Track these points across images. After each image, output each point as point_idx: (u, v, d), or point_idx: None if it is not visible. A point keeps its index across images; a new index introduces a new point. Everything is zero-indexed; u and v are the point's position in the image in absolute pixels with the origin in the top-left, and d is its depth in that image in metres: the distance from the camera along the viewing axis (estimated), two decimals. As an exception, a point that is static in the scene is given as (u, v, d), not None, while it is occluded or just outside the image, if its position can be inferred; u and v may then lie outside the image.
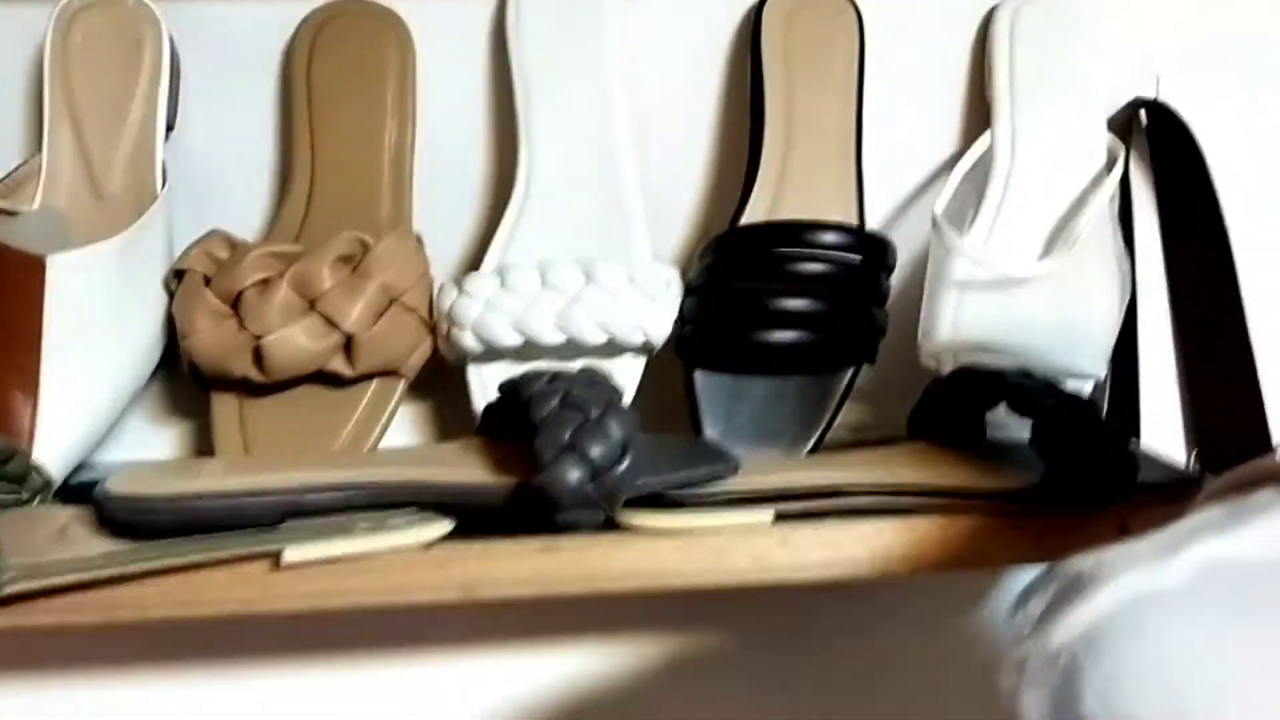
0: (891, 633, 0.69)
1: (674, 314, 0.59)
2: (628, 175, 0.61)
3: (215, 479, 0.50)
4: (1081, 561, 0.29)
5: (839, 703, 0.69)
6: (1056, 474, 0.50)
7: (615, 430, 0.47)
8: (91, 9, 0.61)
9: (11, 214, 0.59)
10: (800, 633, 0.68)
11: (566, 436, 0.46)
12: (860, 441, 0.61)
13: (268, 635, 0.66)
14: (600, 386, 0.50)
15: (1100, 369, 0.61)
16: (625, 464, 0.47)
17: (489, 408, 0.56)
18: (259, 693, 0.66)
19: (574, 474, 0.46)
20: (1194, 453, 0.66)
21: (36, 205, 0.60)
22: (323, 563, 0.48)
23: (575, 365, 0.59)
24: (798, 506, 0.51)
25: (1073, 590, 0.27)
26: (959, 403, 0.57)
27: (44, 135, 0.61)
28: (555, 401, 0.48)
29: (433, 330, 0.60)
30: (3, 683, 0.65)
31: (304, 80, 0.63)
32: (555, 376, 0.51)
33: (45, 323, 0.55)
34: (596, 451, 0.46)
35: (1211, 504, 0.32)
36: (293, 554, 0.48)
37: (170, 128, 0.62)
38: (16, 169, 0.60)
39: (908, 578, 0.51)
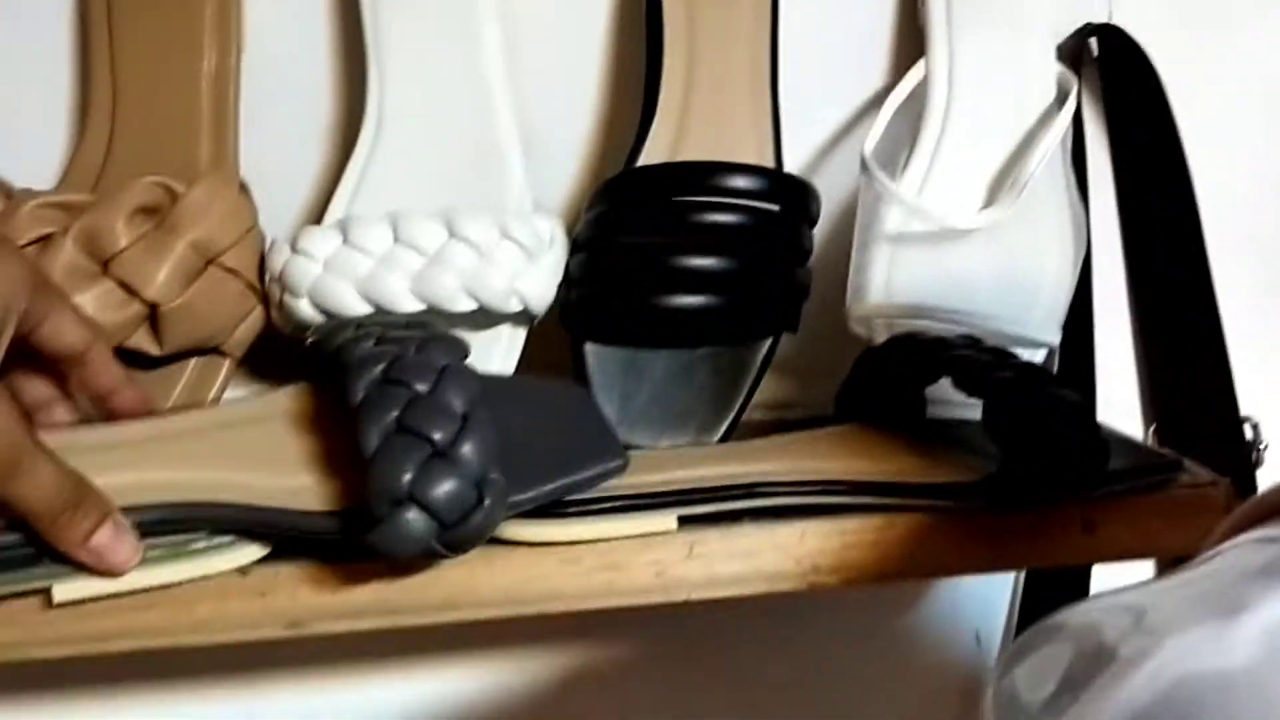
0: (816, 641, 0.61)
1: (558, 276, 0.50)
2: (501, 109, 0.51)
3: None
4: (1099, 621, 0.20)
5: (758, 720, 0.61)
6: (1014, 463, 0.42)
7: (469, 451, 0.36)
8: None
9: None
10: (712, 643, 0.60)
11: (404, 480, 0.36)
12: (780, 423, 0.52)
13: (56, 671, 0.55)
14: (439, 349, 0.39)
15: (1053, 335, 0.53)
16: (484, 506, 0.37)
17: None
18: None
19: (416, 530, 0.36)
20: (1152, 428, 0.60)
21: None
22: (105, 599, 0.38)
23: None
24: (706, 509, 0.42)
25: (1097, 667, 0.19)
26: (896, 377, 0.49)
27: None
28: (377, 373, 0.38)
29: (264, 298, 0.49)
30: None
31: (102, -6, 0.51)
32: (381, 336, 0.40)
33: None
34: (443, 492, 0.36)
35: (1247, 536, 0.23)
36: (63, 592, 0.37)
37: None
38: None
39: (838, 591, 0.42)
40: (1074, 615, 0.21)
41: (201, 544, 0.38)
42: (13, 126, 0.53)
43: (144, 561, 0.38)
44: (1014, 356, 0.46)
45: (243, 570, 0.39)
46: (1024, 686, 0.21)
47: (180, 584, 0.38)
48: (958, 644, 0.63)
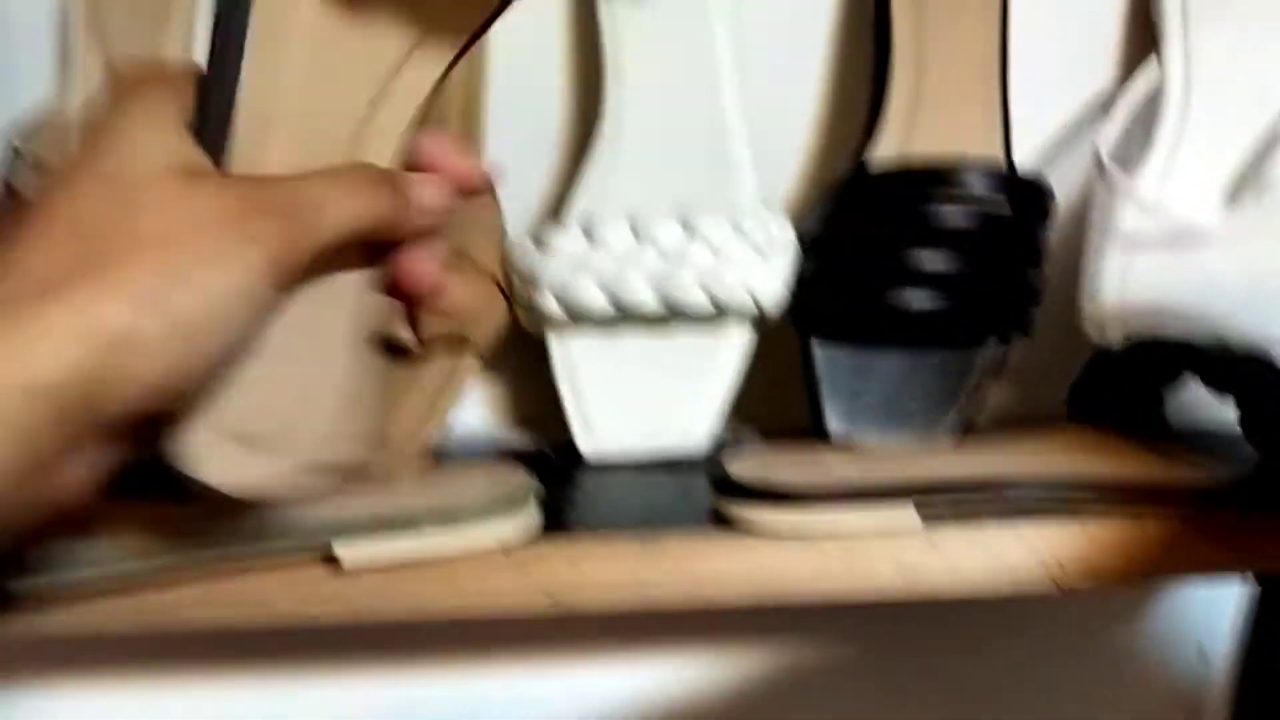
0: (1030, 650, 0.60)
1: (788, 274, 0.51)
2: (731, 109, 0.52)
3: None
4: None
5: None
6: (1271, 464, 0.41)
7: None
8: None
9: (37, 163, 0.52)
10: (923, 650, 0.60)
11: None
12: (1012, 428, 0.52)
13: (326, 642, 0.59)
14: None
15: (1301, 339, 0.51)
16: None
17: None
18: (315, 704, 0.60)
19: None
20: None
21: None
22: (385, 567, 0.41)
23: (668, 335, 0.51)
24: (947, 503, 0.42)
25: None
26: (1134, 379, 0.48)
27: (70, 72, 0.53)
28: None
29: (508, 295, 0.52)
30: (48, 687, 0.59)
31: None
32: None
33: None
34: None
35: None
36: (349, 555, 0.40)
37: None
38: (41, 112, 0.53)
39: (1086, 592, 0.42)
40: None
41: (474, 515, 0.41)
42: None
43: (422, 530, 0.40)
44: (1267, 355, 0.45)
45: (505, 547, 0.42)
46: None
47: (452, 555, 0.41)
48: (1180, 658, 0.61)
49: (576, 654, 0.61)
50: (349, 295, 0.36)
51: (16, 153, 0.51)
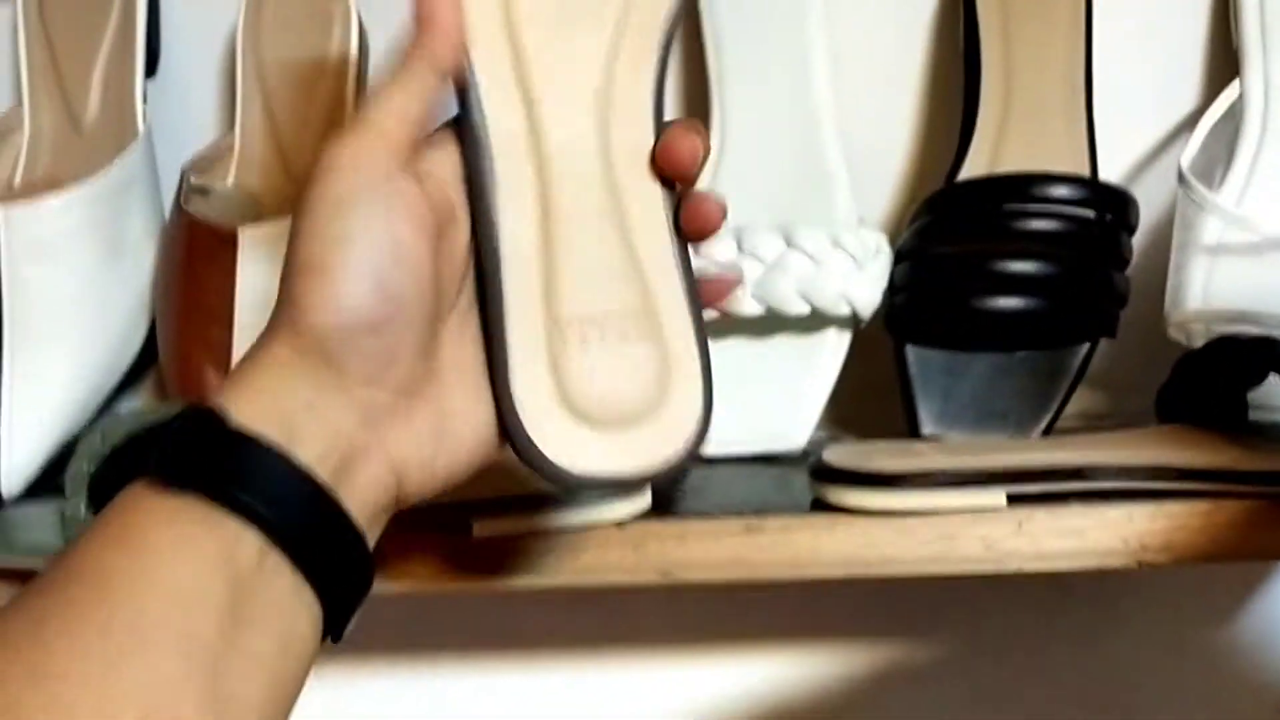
0: (1125, 650, 0.61)
1: (883, 282, 0.54)
2: (828, 130, 0.56)
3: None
4: None
5: (1068, 722, 0.62)
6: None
7: None
8: (283, -14, 0.61)
9: (206, 191, 0.59)
10: (1020, 647, 0.62)
11: None
12: (1098, 429, 0.54)
13: (449, 626, 0.64)
14: None
15: (1383, 343, 0.52)
16: None
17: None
18: (430, 689, 0.64)
19: None
20: None
21: (230, 183, 0.60)
22: (511, 536, 0.45)
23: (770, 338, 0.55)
24: (1034, 489, 0.45)
25: None
26: (1219, 377, 0.50)
27: (237, 115, 0.60)
28: None
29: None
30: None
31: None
32: None
33: (238, 296, 0.54)
34: None
35: None
36: (481, 527, 0.45)
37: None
38: (210, 147, 0.60)
39: (1164, 576, 0.44)
40: None
41: (589, 499, 0.45)
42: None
43: (542, 510, 0.45)
44: (1347, 352, 0.47)
45: (620, 523, 0.46)
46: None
47: (572, 529, 0.45)
48: (1271, 665, 0.62)
49: (686, 647, 0.64)
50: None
51: (188, 182, 0.58)
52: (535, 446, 0.33)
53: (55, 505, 0.47)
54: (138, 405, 0.63)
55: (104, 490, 0.31)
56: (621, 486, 0.34)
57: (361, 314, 0.32)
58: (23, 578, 0.47)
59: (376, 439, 0.33)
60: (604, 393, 0.34)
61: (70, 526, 0.44)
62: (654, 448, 0.34)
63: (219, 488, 0.29)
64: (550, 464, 0.33)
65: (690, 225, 0.37)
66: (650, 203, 0.36)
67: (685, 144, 0.36)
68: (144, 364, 0.60)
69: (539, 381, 0.34)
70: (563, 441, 0.34)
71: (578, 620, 0.64)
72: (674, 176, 0.37)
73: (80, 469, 0.45)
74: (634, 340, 0.34)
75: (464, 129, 0.36)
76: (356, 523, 0.31)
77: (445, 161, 0.36)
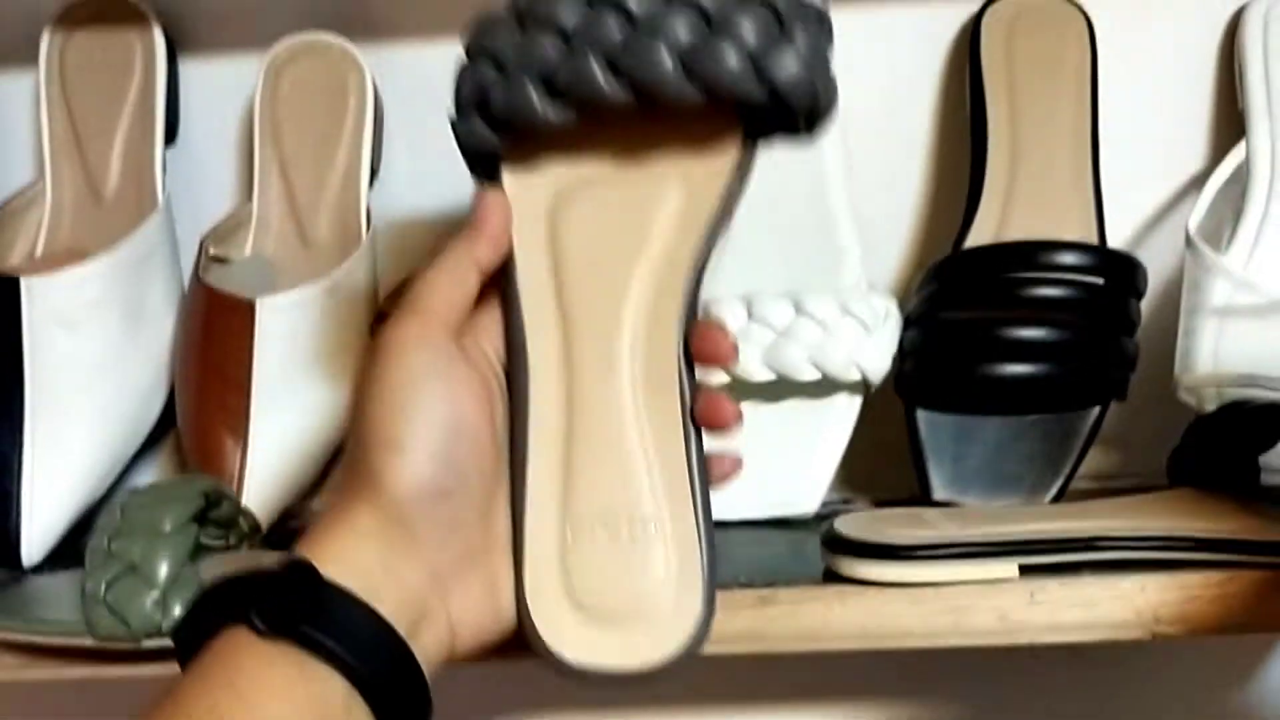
0: (1143, 707, 0.61)
1: (893, 348, 0.55)
2: (838, 199, 0.57)
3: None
4: None
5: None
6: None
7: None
8: (299, 59, 0.62)
9: (224, 261, 0.60)
10: (1040, 704, 0.61)
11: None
12: (1109, 492, 0.55)
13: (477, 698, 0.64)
14: None
15: (1395, 404, 0.53)
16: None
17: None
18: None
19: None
20: None
21: (248, 252, 0.61)
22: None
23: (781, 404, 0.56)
24: (1046, 559, 0.45)
25: None
26: (1230, 442, 0.50)
27: (254, 184, 0.62)
28: None
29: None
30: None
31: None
32: None
33: (255, 365, 0.55)
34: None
35: None
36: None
37: (374, 173, 0.62)
38: (228, 217, 0.61)
39: (1179, 641, 0.44)
40: None
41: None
42: (428, 230, 0.64)
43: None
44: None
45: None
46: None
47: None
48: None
49: (705, 711, 0.64)
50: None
51: (206, 252, 0.59)
52: (540, 638, 0.36)
53: (76, 578, 0.48)
54: (155, 478, 0.63)
55: (197, 628, 0.33)
56: (621, 682, 0.36)
57: (434, 485, 0.35)
58: (40, 653, 0.47)
59: (440, 600, 0.35)
60: (610, 591, 0.36)
61: (90, 605, 0.45)
62: (654, 647, 0.36)
63: (314, 637, 0.32)
64: (553, 655, 0.36)
65: (701, 353, 0.39)
66: (670, 407, 0.38)
67: (724, 343, 0.39)
68: (163, 430, 0.61)
69: (550, 575, 0.36)
70: (567, 635, 0.36)
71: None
72: (709, 363, 0.39)
73: (100, 545, 0.46)
74: (643, 541, 0.36)
75: (506, 317, 0.39)
76: (426, 676, 0.34)
77: (493, 330, 0.39)
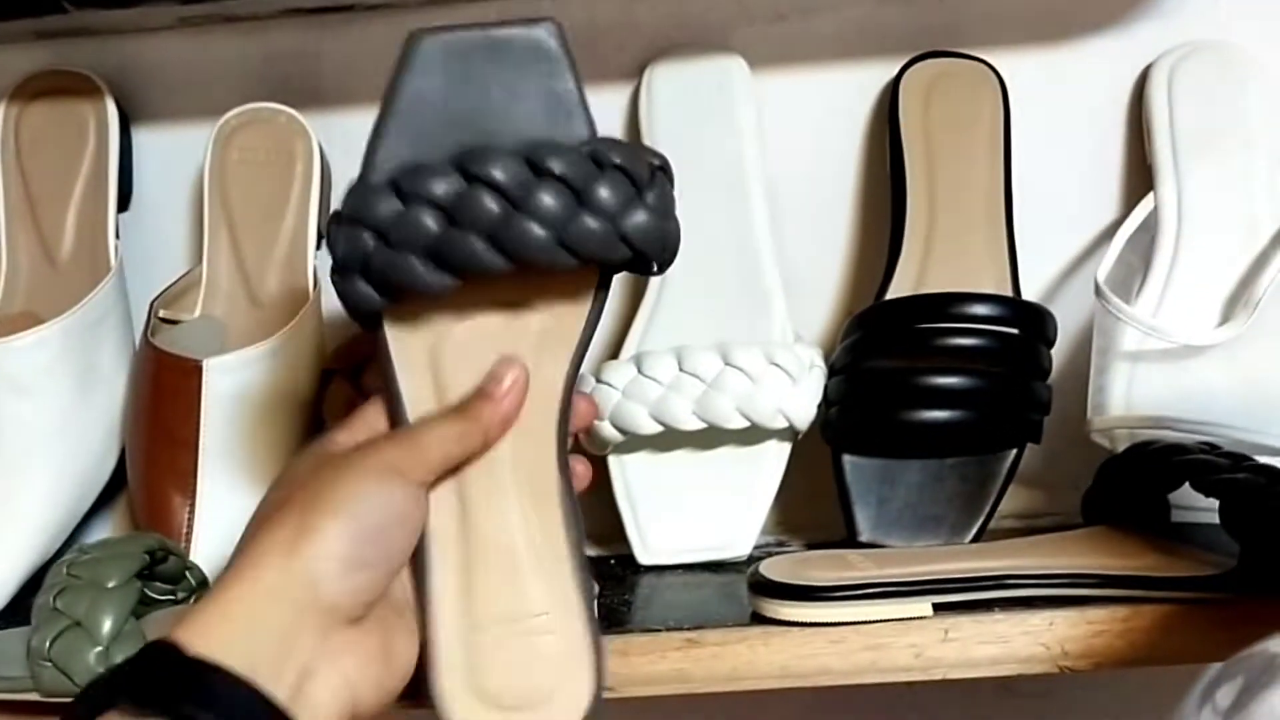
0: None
1: (818, 396, 0.57)
2: (765, 256, 0.59)
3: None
4: (1275, 644, 0.25)
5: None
6: (1252, 557, 0.45)
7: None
8: (248, 126, 0.64)
9: (173, 322, 0.62)
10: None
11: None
12: (1030, 530, 0.57)
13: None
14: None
15: (1296, 441, 0.55)
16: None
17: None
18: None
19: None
20: None
21: (197, 313, 0.63)
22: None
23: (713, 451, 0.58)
24: (959, 597, 0.47)
25: (1267, 675, 0.24)
26: (1139, 483, 0.53)
27: (204, 247, 0.63)
28: None
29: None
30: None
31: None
32: None
33: (202, 424, 0.57)
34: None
35: None
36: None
37: (321, 236, 0.64)
38: (178, 280, 0.63)
39: (1086, 675, 0.46)
40: (1255, 648, 0.26)
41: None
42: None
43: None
44: (1249, 459, 0.49)
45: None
46: (1220, 702, 0.25)
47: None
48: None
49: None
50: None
51: (155, 314, 0.61)
52: None
53: (25, 634, 0.49)
54: (108, 534, 0.64)
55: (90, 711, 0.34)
56: None
57: (357, 560, 0.37)
58: (-12, 708, 0.49)
59: (329, 657, 0.37)
60: (511, 682, 0.40)
61: (35, 660, 0.46)
62: None
63: (179, 711, 0.33)
64: None
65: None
66: (552, 513, 0.42)
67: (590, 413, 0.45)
68: (115, 489, 0.62)
69: (457, 672, 0.40)
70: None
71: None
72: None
73: (46, 602, 0.47)
74: (539, 634, 0.40)
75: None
76: None
77: None
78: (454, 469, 0.41)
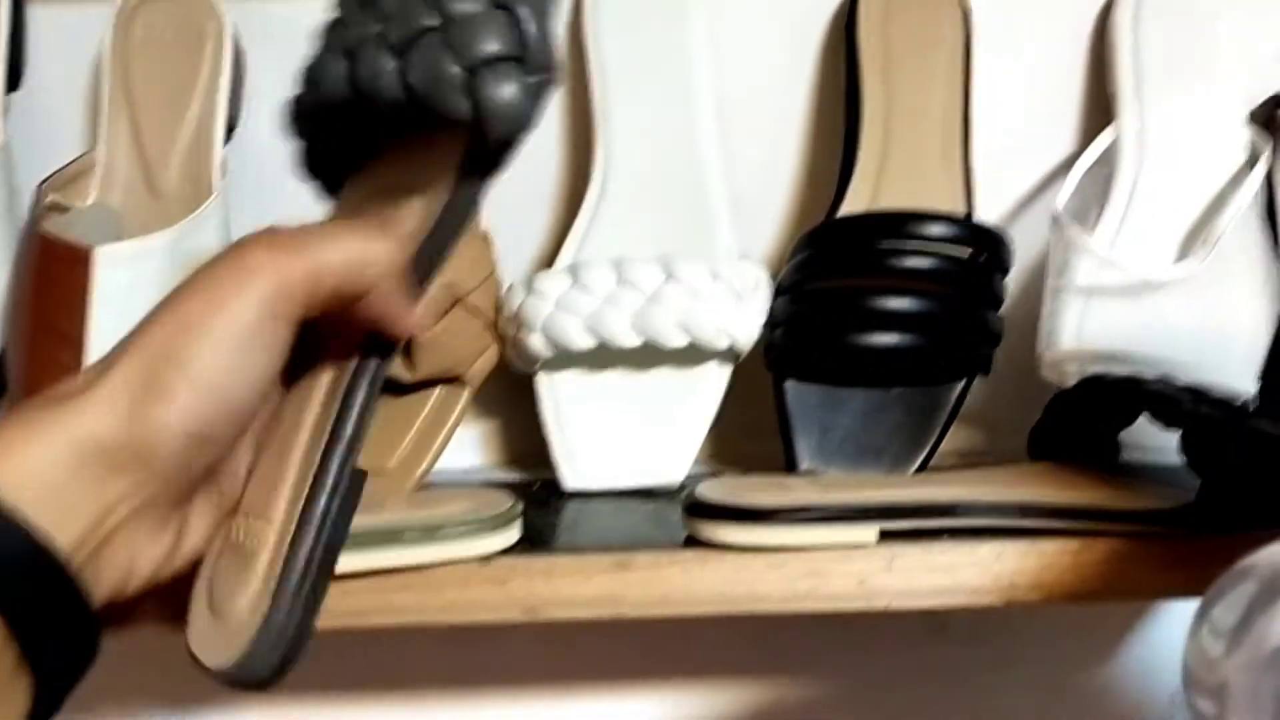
0: (1002, 693, 0.61)
1: (762, 317, 0.54)
2: (712, 169, 0.56)
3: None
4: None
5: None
6: (1213, 491, 0.43)
7: None
8: (153, 3, 0.59)
9: (64, 209, 0.56)
10: (901, 679, 0.61)
11: None
12: (972, 466, 0.54)
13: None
14: None
15: (1249, 384, 0.54)
16: None
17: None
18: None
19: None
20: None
21: (90, 201, 0.58)
22: (369, 574, 0.43)
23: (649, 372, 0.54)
24: (905, 525, 0.45)
25: (1272, 595, 0.21)
26: (1090, 417, 0.50)
27: (100, 130, 0.58)
28: None
29: (500, 337, 0.55)
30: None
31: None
32: None
33: (89, 319, 0.52)
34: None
35: None
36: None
37: (233, 126, 0.59)
38: (70, 164, 0.57)
39: (1035, 608, 0.44)
40: (1250, 563, 0.23)
41: (455, 529, 0.43)
42: (290, 188, 0.61)
43: (404, 541, 0.43)
44: (1210, 391, 0.47)
45: (485, 559, 0.44)
46: (1218, 620, 0.23)
47: (430, 566, 0.43)
48: (1151, 705, 0.62)
49: (567, 691, 0.62)
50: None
51: (44, 199, 0.55)
52: (186, 625, 0.34)
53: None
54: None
55: None
56: (221, 680, 0.33)
57: (200, 433, 0.31)
58: None
59: (131, 526, 0.31)
60: (219, 588, 0.34)
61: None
62: (219, 649, 0.33)
63: None
64: (186, 643, 0.33)
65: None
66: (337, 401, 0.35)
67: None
68: (-2, 388, 0.57)
69: (207, 564, 0.34)
70: (196, 624, 0.34)
71: (451, 659, 0.61)
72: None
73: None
74: (251, 544, 0.34)
75: None
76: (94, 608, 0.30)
77: None
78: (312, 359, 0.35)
